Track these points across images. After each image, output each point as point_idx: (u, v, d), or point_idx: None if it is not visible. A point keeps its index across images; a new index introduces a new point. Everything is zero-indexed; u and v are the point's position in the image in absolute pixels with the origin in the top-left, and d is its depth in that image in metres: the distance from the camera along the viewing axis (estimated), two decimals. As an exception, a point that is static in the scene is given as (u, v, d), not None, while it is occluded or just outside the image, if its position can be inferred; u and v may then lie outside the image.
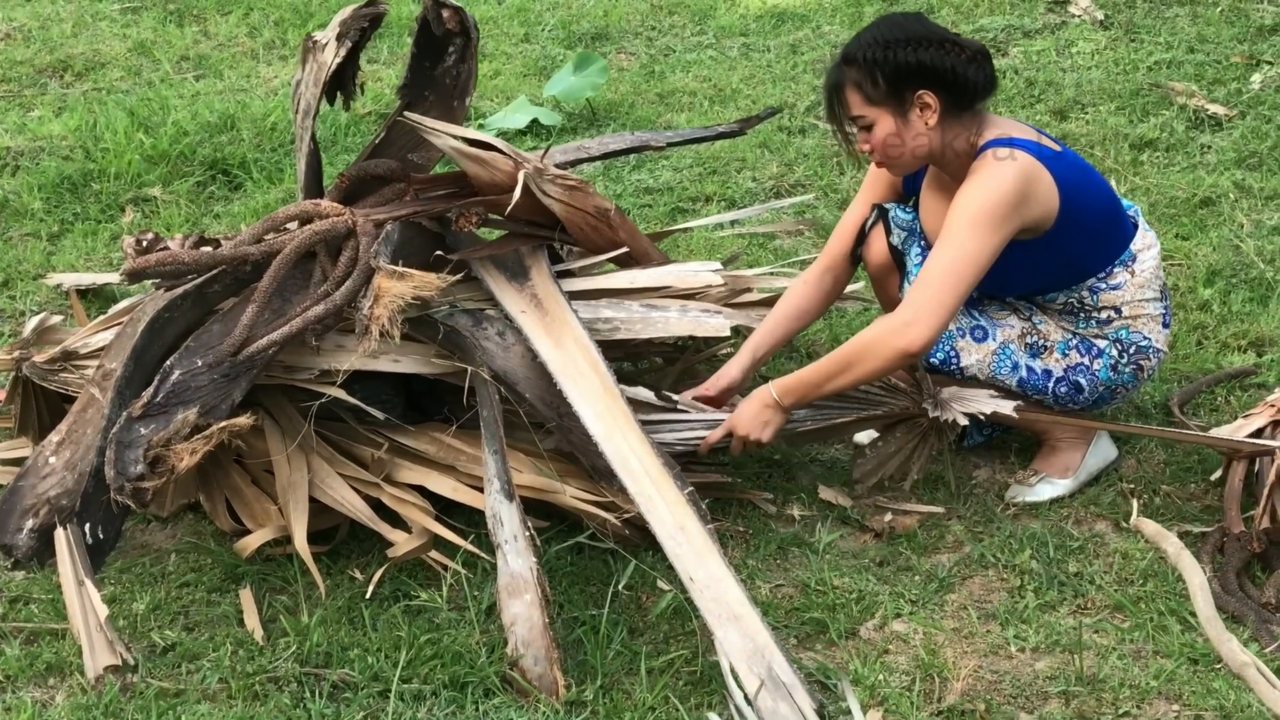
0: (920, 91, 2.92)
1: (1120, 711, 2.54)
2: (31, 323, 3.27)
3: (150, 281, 3.03)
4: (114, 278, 3.87)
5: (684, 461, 2.93)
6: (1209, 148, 4.90)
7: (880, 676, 2.62)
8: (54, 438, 2.84)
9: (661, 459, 2.75)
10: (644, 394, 3.04)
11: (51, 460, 2.82)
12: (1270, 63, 5.54)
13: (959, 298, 2.85)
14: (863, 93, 2.95)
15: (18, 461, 3.10)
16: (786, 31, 6.17)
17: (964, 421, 2.95)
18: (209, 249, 2.93)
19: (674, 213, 4.47)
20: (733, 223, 4.27)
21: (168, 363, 2.75)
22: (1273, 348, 3.67)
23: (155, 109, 5.11)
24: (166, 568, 2.94)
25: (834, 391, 2.96)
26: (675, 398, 3.07)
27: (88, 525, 2.66)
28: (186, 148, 4.79)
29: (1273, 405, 3.20)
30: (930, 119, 2.94)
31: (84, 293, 3.93)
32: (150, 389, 2.69)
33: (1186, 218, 4.36)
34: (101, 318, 3.22)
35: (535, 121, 5.12)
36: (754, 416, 2.97)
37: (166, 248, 2.95)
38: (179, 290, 2.88)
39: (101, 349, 3.00)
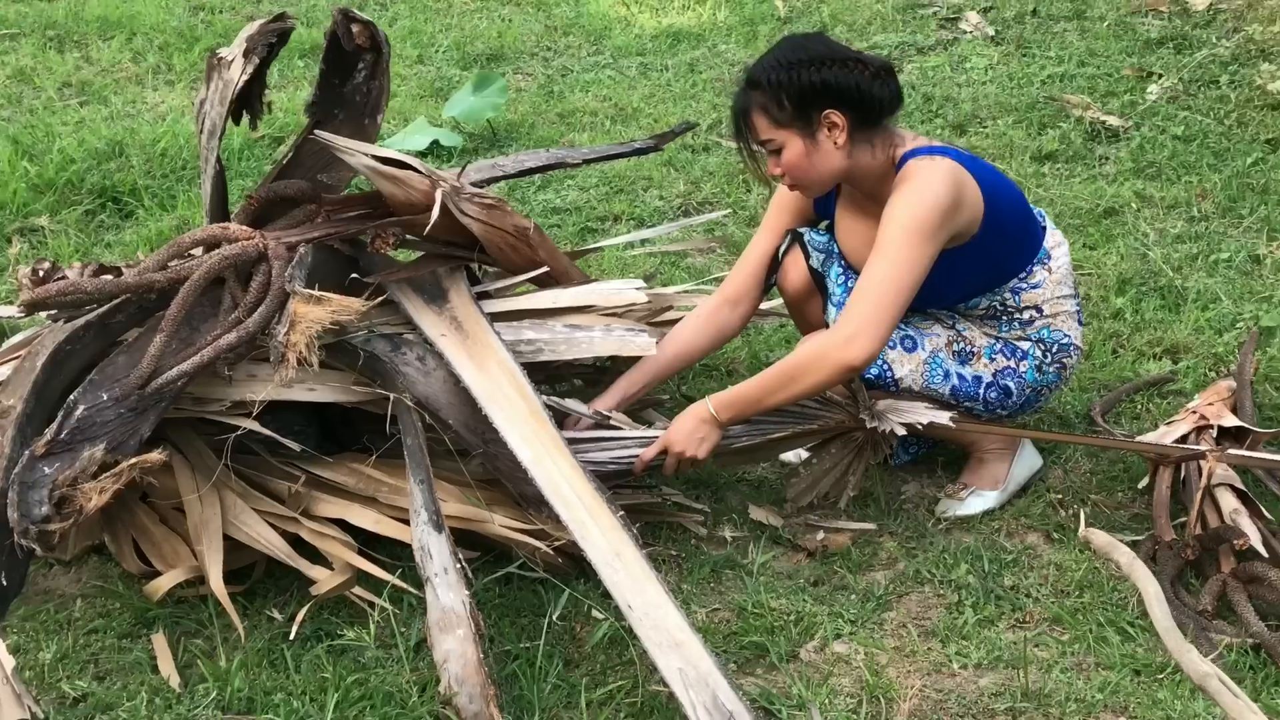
0: (827, 111, 2.85)
1: (1068, 727, 2.50)
2: (-80, 359, 3.09)
3: (47, 314, 2.88)
4: (8, 311, 3.68)
5: (612, 485, 2.84)
6: (1107, 158, 4.94)
7: (825, 700, 2.55)
8: (-52, 480, 2.67)
9: (593, 484, 2.65)
10: (577, 406, 2.96)
11: (-53, 504, 2.64)
12: (1160, 74, 5.60)
13: (900, 309, 2.79)
14: (769, 116, 2.88)
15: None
16: (683, 50, 6.14)
17: (902, 432, 2.89)
18: (111, 277, 2.78)
19: (583, 232, 4.38)
20: (643, 241, 4.19)
21: (71, 397, 2.59)
22: (1187, 354, 3.67)
23: (40, 136, 4.91)
24: (73, 613, 2.77)
25: (774, 406, 2.88)
26: (608, 414, 2.98)
27: (-10, 572, 2.49)
28: (74, 175, 4.60)
29: (1194, 412, 3.20)
30: (839, 138, 2.88)
31: (-29, 329, 3.74)
32: (53, 426, 2.54)
33: (1092, 228, 4.38)
34: (-4, 352, 3.05)
35: (435, 143, 5.00)
36: (690, 433, 2.88)
37: (64, 277, 2.80)
38: (81, 321, 2.73)
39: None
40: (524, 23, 6.56)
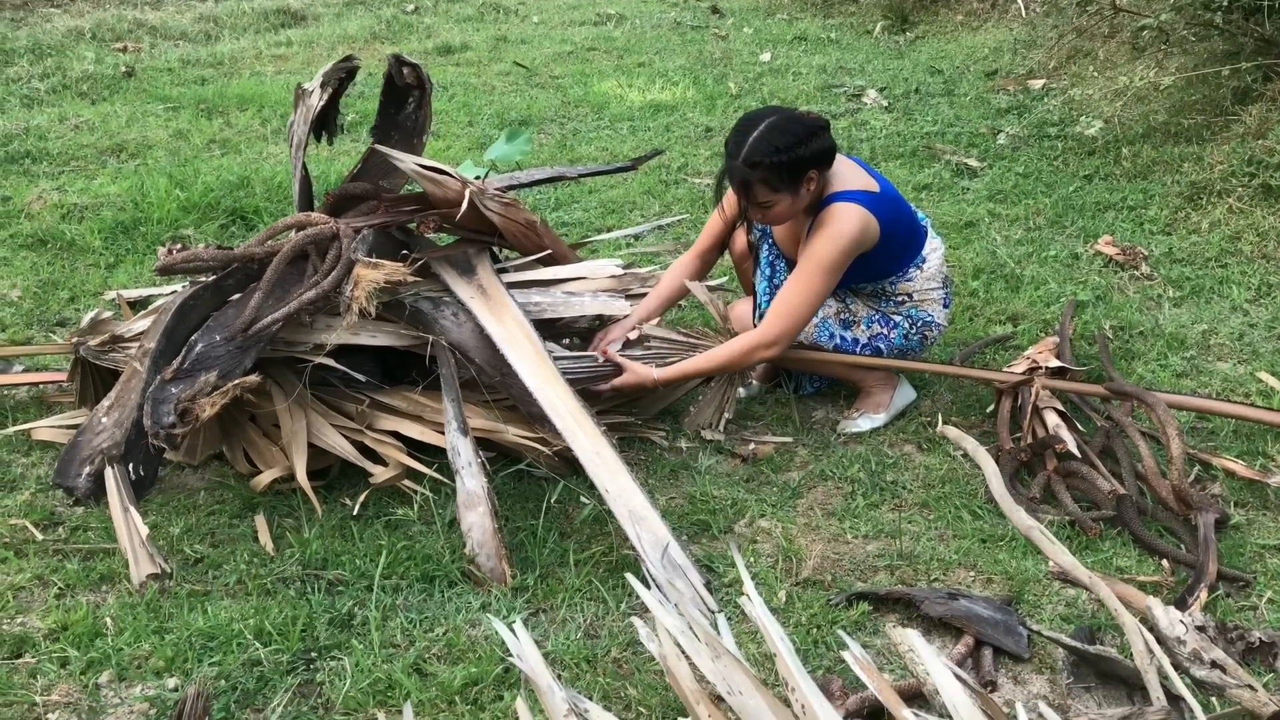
0: (810, 173, 2.75)
1: (932, 578, 2.40)
2: (87, 316, 2.99)
3: (179, 283, 2.79)
4: (157, 290, 3.60)
5: (599, 409, 2.74)
6: (968, 189, 4.84)
7: (751, 559, 2.46)
8: (105, 403, 2.60)
9: (580, 403, 2.56)
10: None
11: (103, 420, 2.56)
12: (1006, 129, 5.51)
13: (808, 320, 2.80)
14: (769, 185, 2.73)
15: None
16: (661, 117, 6.06)
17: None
18: (221, 250, 2.69)
19: (587, 237, 4.28)
20: (629, 241, 4.10)
21: (193, 338, 2.51)
22: (1024, 320, 3.58)
23: (189, 173, 4.83)
24: (197, 500, 2.68)
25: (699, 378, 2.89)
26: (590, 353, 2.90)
27: (131, 465, 2.41)
28: (213, 200, 4.52)
29: (1028, 358, 3.11)
30: (813, 186, 2.77)
31: (133, 304, 3.64)
32: (179, 358, 2.46)
33: (956, 235, 4.29)
34: (142, 312, 2.96)
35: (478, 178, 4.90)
36: (635, 386, 2.85)
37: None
38: (201, 284, 2.64)
39: (142, 333, 2.75)
40: (547, 99, 6.48)
